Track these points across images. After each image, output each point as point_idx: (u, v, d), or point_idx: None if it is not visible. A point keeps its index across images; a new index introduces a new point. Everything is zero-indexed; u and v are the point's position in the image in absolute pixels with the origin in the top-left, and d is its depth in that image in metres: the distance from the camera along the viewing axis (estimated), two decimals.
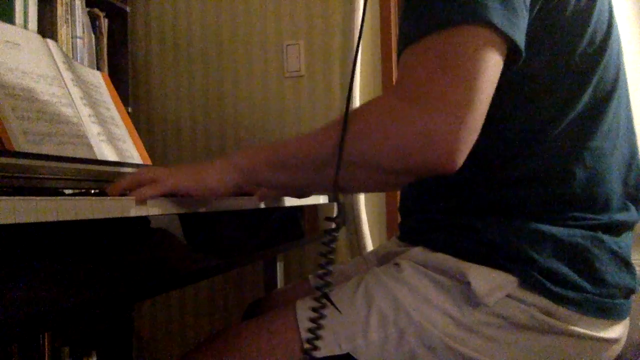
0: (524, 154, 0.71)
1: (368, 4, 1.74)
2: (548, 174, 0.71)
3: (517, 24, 0.62)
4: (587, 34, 0.71)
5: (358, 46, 0.78)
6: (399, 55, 0.67)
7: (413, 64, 0.63)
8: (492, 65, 0.61)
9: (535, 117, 0.71)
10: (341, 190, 0.67)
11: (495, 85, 0.62)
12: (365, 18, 1.75)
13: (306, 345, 0.70)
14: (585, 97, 0.72)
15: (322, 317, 0.67)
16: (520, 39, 0.63)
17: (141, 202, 0.64)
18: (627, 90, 0.80)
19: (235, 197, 0.86)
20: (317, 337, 0.68)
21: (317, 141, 0.68)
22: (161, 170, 0.74)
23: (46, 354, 1.53)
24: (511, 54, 0.64)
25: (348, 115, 0.64)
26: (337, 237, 0.65)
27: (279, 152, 0.72)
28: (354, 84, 1.62)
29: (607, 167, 0.73)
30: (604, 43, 0.73)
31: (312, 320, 0.68)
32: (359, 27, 0.80)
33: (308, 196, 1.02)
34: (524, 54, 0.64)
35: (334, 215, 0.64)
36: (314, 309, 0.67)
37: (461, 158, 0.60)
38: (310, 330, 0.67)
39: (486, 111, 0.61)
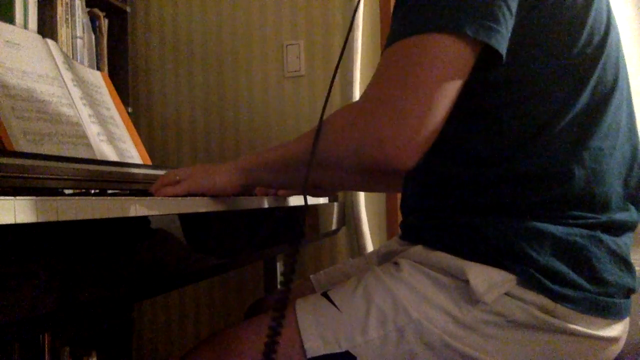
0: (522, 153, 0.71)
1: (361, 8, 1.74)
2: (547, 173, 0.71)
3: (496, 29, 0.64)
4: (583, 35, 0.71)
5: (341, 57, 0.84)
6: None
7: (381, 66, 0.68)
8: (455, 77, 0.64)
9: (534, 116, 0.71)
10: (318, 189, 0.75)
11: (456, 93, 0.65)
12: (365, 18, 1.75)
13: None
14: (584, 97, 0.72)
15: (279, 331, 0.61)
16: (498, 43, 0.64)
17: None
18: (629, 91, 0.80)
19: (235, 197, 0.86)
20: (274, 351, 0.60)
21: (296, 146, 0.77)
22: (184, 171, 0.84)
23: (46, 354, 1.53)
24: (490, 58, 0.66)
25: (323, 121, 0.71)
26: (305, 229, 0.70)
27: (271, 155, 0.81)
28: (332, 91, 1.64)
29: (607, 167, 0.73)
30: (601, 44, 0.73)
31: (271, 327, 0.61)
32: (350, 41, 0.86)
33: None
34: (504, 58, 0.66)
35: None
36: (277, 302, 0.62)
37: (412, 160, 0.64)
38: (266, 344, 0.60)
39: (445, 117, 0.65)
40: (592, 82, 0.72)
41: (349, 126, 0.68)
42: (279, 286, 1.54)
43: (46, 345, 1.53)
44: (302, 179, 0.71)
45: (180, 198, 0.72)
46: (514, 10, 0.66)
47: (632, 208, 0.77)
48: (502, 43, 0.65)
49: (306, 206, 0.70)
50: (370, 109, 0.66)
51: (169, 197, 0.78)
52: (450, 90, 0.64)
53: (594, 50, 0.73)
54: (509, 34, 0.66)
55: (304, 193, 0.69)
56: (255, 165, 0.82)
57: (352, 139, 0.67)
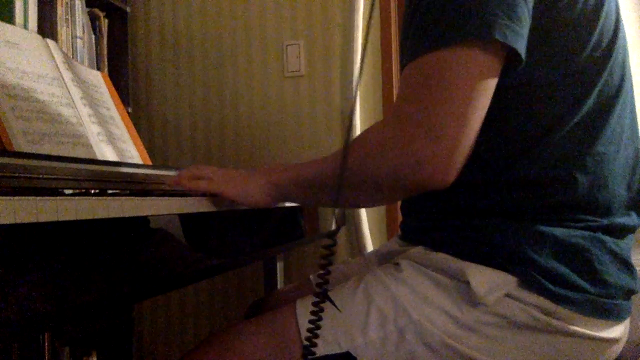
0: (526, 158, 0.71)
1: (361, 9, 1.74)
2: (550, 178, 0.71)
3: (520, 33, 0.63)
4: (593, 38, 0.71)
5: (361, 70, 0.82)
6: (402, 69, 0.70)
7: (408, 83, 0.66)
8: (486, 87, 0.63)
9: (539, 120, 0.71)
10: (348, 207, 0.75)
11: (487, 105, 0.64)
12: (365, 18, 1.75)
13: (305, 343, 0.70)
14: (590, 102, 0.71)
15: (320, 317, 0.67)
16: (522, 47, 0.63)
17: (194, 191, 0.79)
18: (632, 93, 0.79)
19: None
20: (316, 336, 0.68)
21: (328, 164, 0.75)
22: (215, 170, 0.85)
23: (46, 354, 1.53)
24: (511, 60, 0.65)
25: (352, 141, 0.71)
26: (336, 248, 0.70)
27: (303, 172, 0.79)
28: (354, 116, 1.65)
29: (610, 172, 0.72)
30: (610, 47, 0.73)
31: (311, 321, 0.68)
32: (361, 50, 0.85)
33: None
34: (524, 61, 0.65)
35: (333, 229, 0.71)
36: (313, 312, 0.67)
37: (452, 176, 0.64)
38: (309, 330, 0.68)
39: (478, 131, 0.64)
40: (598, 86, 0.71)
41: (384, 147, 0.66)
42: (279, 285, 1.55)
43: (46, 345, 1.53)
44: (332, 199, 0.72)
45: (180, 198, 0.72)
46: (531, 11, 0.65)
47: (633, 213, 0.76)
48: (524, 46, 0.64)
49: (341, 221, 0.71)
50: (403, 129, 0.64)
51: (197, 191, 0.81)
52: (483, 103, 0.63)
53: (603, 53, 0.72)
54: (527, 36, 0.65)
55: (335, 206, 0.72)
56: (287, 181, 0.80)
57: (389, 161, 0.66)
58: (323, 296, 0.67)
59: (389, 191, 0.70)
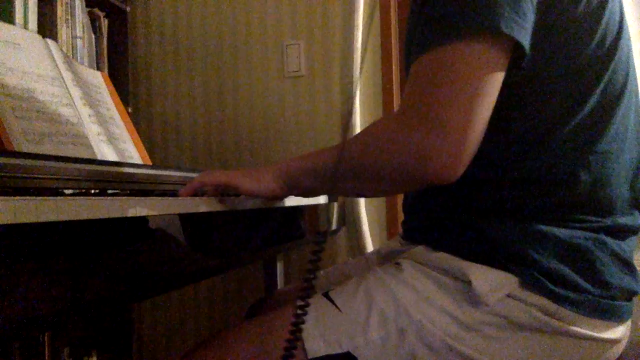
0: (528, 156, 0.71)
1: (361, 9, 1.74)
2: (552, 177, 0.71)
3: (525, 27, 0.63)
4: (596, 36, 0.70)
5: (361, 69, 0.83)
6: (408, 66, 0.70)
7: (416, 79, 0.66)
8: (493, 81, 0.63)
9: (541, 119, 0.71)
10: (353, 196, 0.75)
11: (494, 100, 0.64)
12: (365, 18, 1.75)
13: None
14: (593, 100, 0.71)
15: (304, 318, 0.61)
16: (526, 41, 0.63)
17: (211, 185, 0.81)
18: (637, 93, 0.79)
19: (235, 197, 0.86)
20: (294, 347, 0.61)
21: (333, 156, 0.77)
22: (224, 171, 0.85)
23: (46, 354, 1.53)
24: (516, 55, 0.64)
25: (360, 131, 0.70)
26: (324, 248, 0.65)
27: (310, 161, 0.80)
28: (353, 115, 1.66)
29: (613, 171, 0.72)
30: (613, 45, 0.72)
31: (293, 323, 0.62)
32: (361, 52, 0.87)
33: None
34: (528, 56, 0.64)
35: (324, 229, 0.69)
36: (295, 314, 0.61)
37: (459, 172, 0.64)
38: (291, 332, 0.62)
39: (485, 126, 0.64)
40: (602, 84, 0.71)
41: (390, 141, 0.66)
42: (279, 285, 1.55)
43: (46, 345, 1.53)
44: (340, 188, 0.76)
45: (180, 198, 0.72)
46: (535, 7, 0.65)
47: (636, 212, 0.76)
48: (528, 41, 0.64)
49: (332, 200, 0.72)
50: (410, 123, 0.64)
51: (214, 184, 0.81)
52: (490, 97, 0.63)
53: (606, 52, 0.71)
54: (531, 31, 0.65)
55: (332, 193, 0.72)
56: (297, 170, 0.80)
57: (394, 154, 0.66)
58: (304, 304, 0.62)
59: (392, 184, 0.72)
